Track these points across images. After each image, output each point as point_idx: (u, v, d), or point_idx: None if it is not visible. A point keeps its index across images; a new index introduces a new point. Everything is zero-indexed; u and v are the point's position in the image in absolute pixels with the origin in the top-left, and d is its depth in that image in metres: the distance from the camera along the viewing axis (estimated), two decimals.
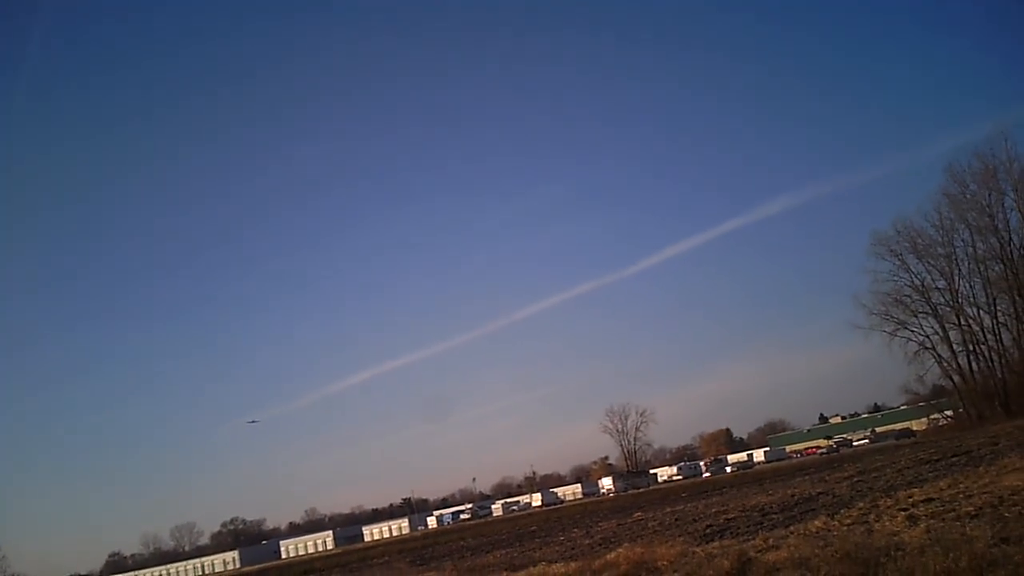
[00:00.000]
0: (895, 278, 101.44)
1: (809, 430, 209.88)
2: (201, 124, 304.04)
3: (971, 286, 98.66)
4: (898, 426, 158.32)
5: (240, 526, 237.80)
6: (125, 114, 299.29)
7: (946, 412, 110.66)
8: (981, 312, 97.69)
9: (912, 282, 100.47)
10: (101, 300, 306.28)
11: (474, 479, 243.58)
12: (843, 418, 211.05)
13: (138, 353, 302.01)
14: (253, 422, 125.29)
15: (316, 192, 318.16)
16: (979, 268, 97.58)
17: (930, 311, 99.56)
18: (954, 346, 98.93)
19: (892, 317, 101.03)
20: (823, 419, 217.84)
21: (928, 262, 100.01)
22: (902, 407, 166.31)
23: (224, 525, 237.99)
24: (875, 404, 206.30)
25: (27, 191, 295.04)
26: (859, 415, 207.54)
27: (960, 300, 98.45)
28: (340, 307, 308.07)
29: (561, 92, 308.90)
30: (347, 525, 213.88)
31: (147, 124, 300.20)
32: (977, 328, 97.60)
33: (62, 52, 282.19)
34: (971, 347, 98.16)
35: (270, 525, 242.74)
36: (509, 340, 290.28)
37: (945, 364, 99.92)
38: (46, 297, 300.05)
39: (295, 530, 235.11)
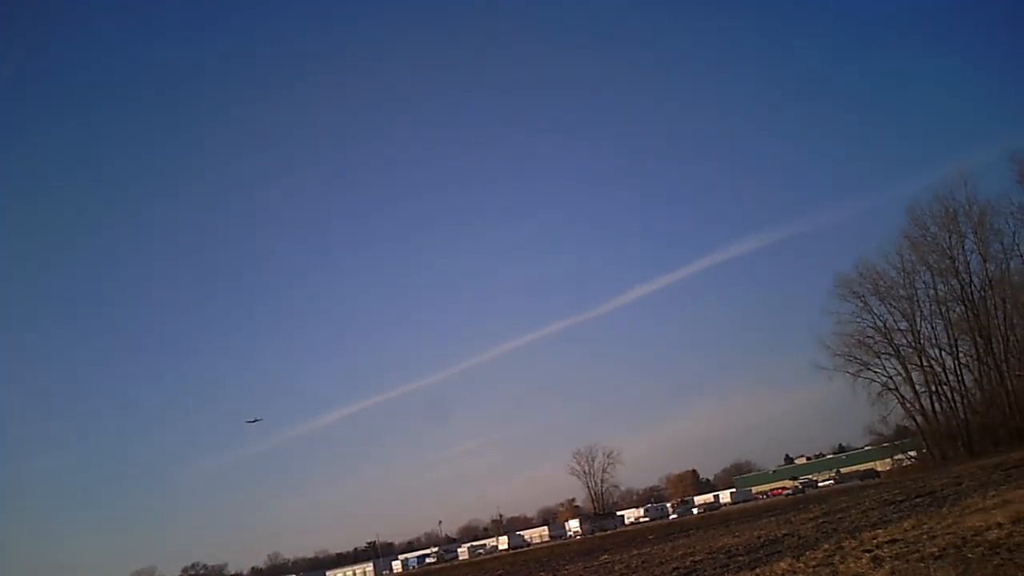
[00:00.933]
0: (858, 319, 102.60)
1: (775, 471, 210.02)
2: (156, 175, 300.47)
3: (933, 327, 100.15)
4: (863, 467, 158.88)
5: (201, 571, 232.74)
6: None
7: (910, 453, 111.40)
8: (943, 353, 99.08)
9: (875, 323, 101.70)
10: (41, 340, 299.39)
11: (440, 522, 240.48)
12: (808, 459, 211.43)
13: (97, 391, 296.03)
14: (254, 421, 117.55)
15: (277, 233, 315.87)
16: (940, 310, 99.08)
17: (893, 352, 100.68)
18: (917, 387, 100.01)
19: (855, 358, 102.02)
20: (788, 460, 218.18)
21: (890, 304, 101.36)
22: (866, 448, 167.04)
23: (185, 570, 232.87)
24: (840, 445, 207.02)
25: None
26: (824, 456, 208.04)
27: (922, 341, 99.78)
28: (304, 349, 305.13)
29: (523, 154, 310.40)
30: (311, 570, 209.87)
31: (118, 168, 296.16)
32: (939, 369, 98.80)
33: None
34: (933, 388, 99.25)
35: (232, 570, 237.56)
36: (476, 381, 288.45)
37: (908, 405, 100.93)
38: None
39: (258, 575, 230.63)
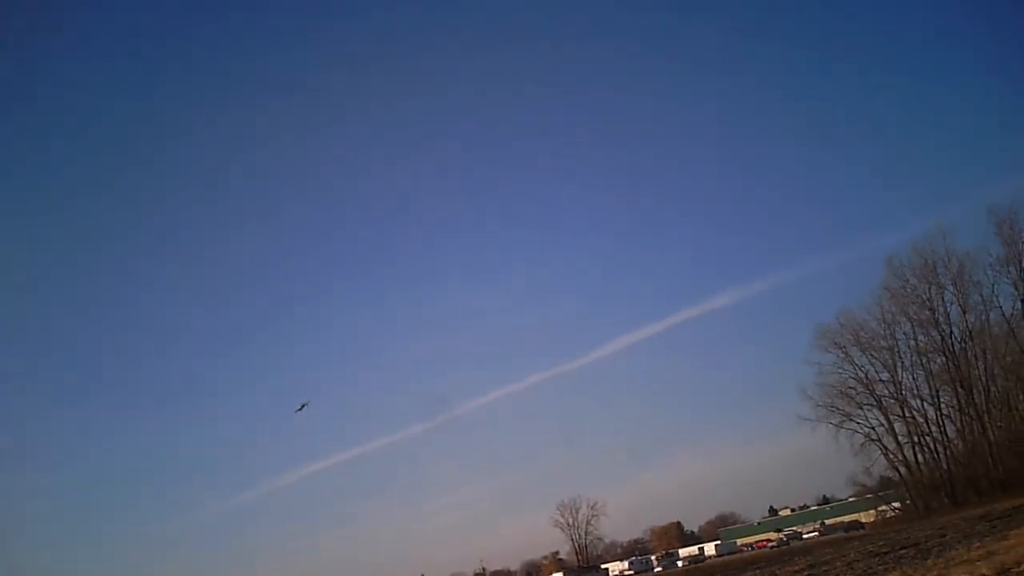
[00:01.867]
0: (839, 370, 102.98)
1: (759, 523, 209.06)
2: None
3: (914, 378, 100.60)
4: (847, 518, 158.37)
5: None
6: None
7: (894, 504, 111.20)
8: (925, 404, 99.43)
9: (856, 374, 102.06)
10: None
11: (422, 575, 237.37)
12: (793, 510, 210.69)
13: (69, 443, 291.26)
14: (302, 407, 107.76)
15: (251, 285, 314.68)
16: (921, 361, 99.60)
17: (875, 403, 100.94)
18: (899, 438, 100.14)
19: (838, 409, 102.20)
20: (773, 512, 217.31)
21: (871, 355, 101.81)
22: (850, 499, 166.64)
23: None
24: (824, 496, 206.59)
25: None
26: (808, 507, 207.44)
27: (904, 392, 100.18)
28: (281, 400, 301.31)
29: (502, 206, 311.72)
30: None
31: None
32: (921, 420, 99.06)
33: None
34: (916, 439, 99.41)
35: None
36: (458, 433, 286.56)
37: (891, 456, 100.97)
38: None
39: None
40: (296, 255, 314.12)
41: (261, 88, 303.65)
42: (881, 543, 53.86)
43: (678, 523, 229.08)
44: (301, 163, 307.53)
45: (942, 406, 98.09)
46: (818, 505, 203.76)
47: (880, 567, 34.66)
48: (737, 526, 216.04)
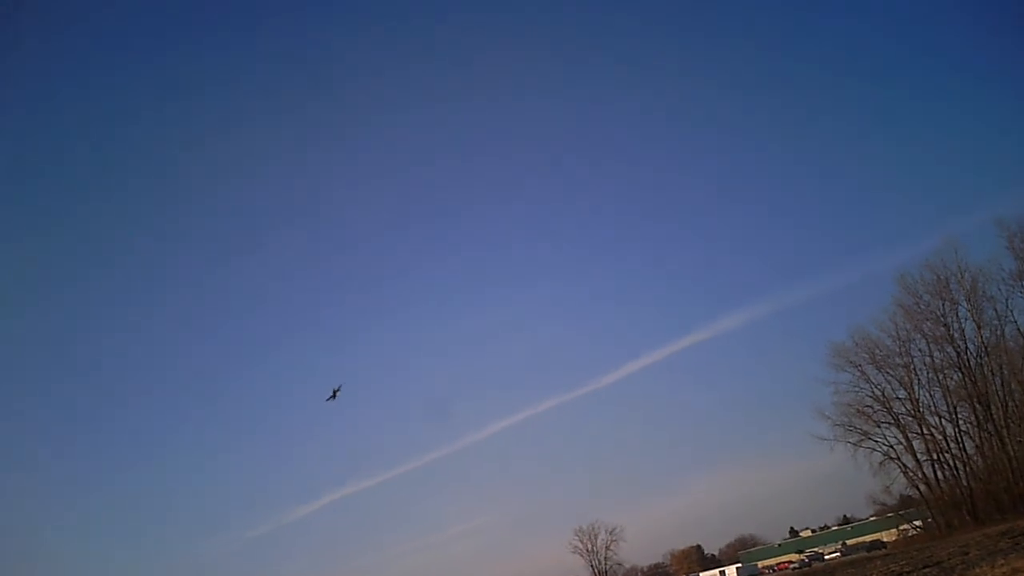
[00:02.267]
0: (855, 389, 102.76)
1: (780, 544, 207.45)
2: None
3: (931, 395, 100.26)
4: (868, 538, 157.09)
5: None
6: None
7: (915, 522, 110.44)
8: (943, 421, 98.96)
9: (872, 392, 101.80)
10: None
11: None
12: (813, 531, 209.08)
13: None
14: (335, 393, 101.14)
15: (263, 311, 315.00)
16: (938, 377, 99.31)
17: (892, 421, 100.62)
18: (918, 455, 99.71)
19: (855, 428, 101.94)
20: (793, 533, 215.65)
21: (887, 372, 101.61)
22: (871, 518, 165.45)
23: None
24: (844, 516, 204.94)
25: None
26: (829, 528, 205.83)
27: (921, 409, 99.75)
28: (287, 431, 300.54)
29: (513, 229, 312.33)
30: None
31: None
32: (940, 437, 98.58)
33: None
34: (935, 456, 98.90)
35: None
36: (471, 460, 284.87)
37: (911, 474, 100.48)
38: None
39: None
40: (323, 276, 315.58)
41: (282, 99, 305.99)
42: (904, 562, 53.72)
43: (698, 546, 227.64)
44: (324, 174, 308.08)
45: (960, 422, 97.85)
46: (839, 525, 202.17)
47: None
48: (758, 548, 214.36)
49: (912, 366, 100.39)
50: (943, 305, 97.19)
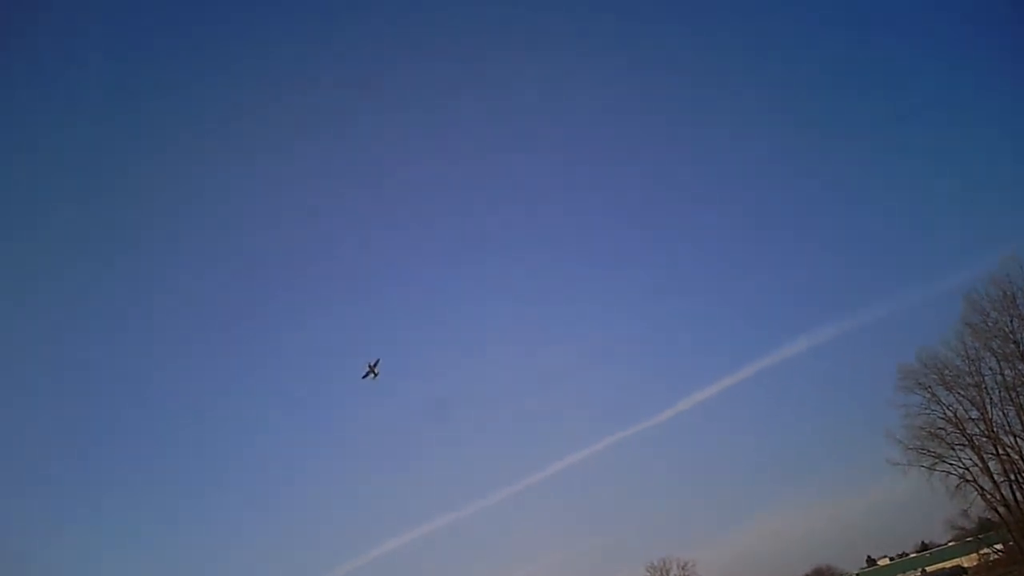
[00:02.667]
0: (927, 411, 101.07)
1: (858, 574, 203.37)
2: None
3: (1005, 414, 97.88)
4: (948, 564, 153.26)
5: None
6: None
7: (996, 546, 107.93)
8: (1019, 440, 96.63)
9: (944, 414, 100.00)
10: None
11: None
12: (892, 559, 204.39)
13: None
14: (372, 368, 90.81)
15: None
16: (1011, 395, 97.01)
17: (966, 442, 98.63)
18: (995, 476, 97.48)
19: (928, 451, 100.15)
20: (871, 562, 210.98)
21: (958, 393, 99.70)
22: (950, 543, 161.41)
23: None
24: (922, 542, 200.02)
25: None
26: (907, 555, 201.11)
27: (995, 429, 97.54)
28: (347, 476, 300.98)
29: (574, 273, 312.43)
30: None
31: None
32: (1017, 457, 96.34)
33: None
34: (1013, 476, 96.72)
35: None
36: (537, 499, 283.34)
37: (989, 496, 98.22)
38: None
39: None
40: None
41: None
42: None
43: None
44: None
45: None
46: (917, 552, 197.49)
47: None
48: None
49: (983, 385, 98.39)
50: (1011, 322, 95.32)
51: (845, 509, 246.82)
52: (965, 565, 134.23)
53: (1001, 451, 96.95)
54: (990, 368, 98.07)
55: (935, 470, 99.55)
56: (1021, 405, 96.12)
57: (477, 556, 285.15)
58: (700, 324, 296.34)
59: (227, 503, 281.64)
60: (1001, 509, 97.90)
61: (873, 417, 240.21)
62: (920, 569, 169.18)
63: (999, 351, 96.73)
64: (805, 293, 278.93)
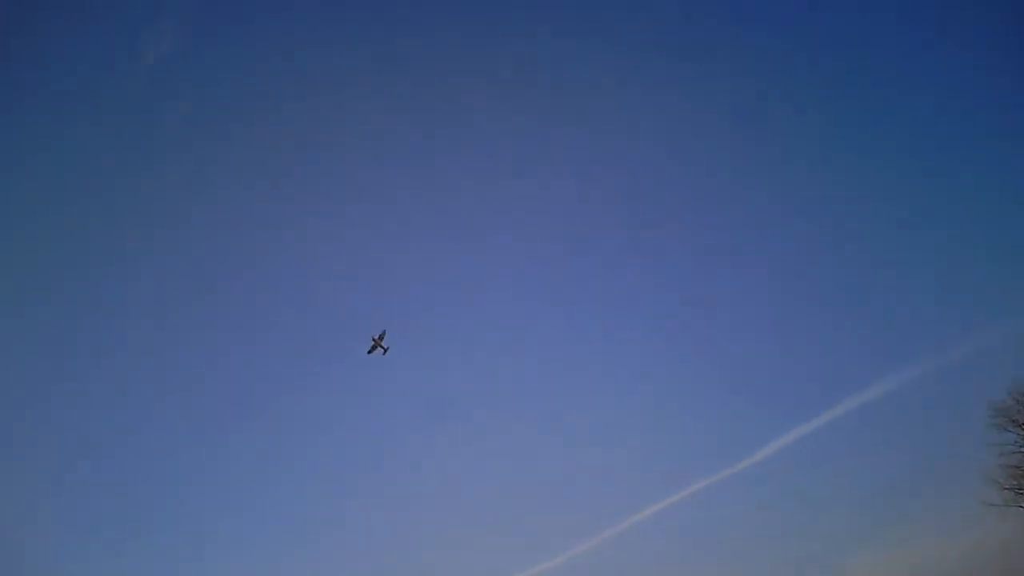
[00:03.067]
0: (1022, 449, 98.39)
1: None
2: None
3: None
4: None
5: None
6: None
7: None
8: None
9: None
10: None
11: None
12: None
13: None
14: (378, 343, 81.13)
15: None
16: None
17: None
18: None
19: None
20: None
21: None
22: None
23: None
24: None
25: None
26: None
27: None
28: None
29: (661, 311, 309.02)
30: None
31: None
32: None
33: None
34: None
35: None
36: (618, 549, 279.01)
37: None
38: None
39: None
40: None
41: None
42: None
43: None
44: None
45: None
46: None
47: None
48: None
49: None
50: None
51: (940, 553, 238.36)
52: None
53: None
54: None
55: None
56: None
57: None
58: (775, 365, 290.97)
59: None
60: None
61: (968, 458, 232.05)
62: None
63: None
64: (884, 330, 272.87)
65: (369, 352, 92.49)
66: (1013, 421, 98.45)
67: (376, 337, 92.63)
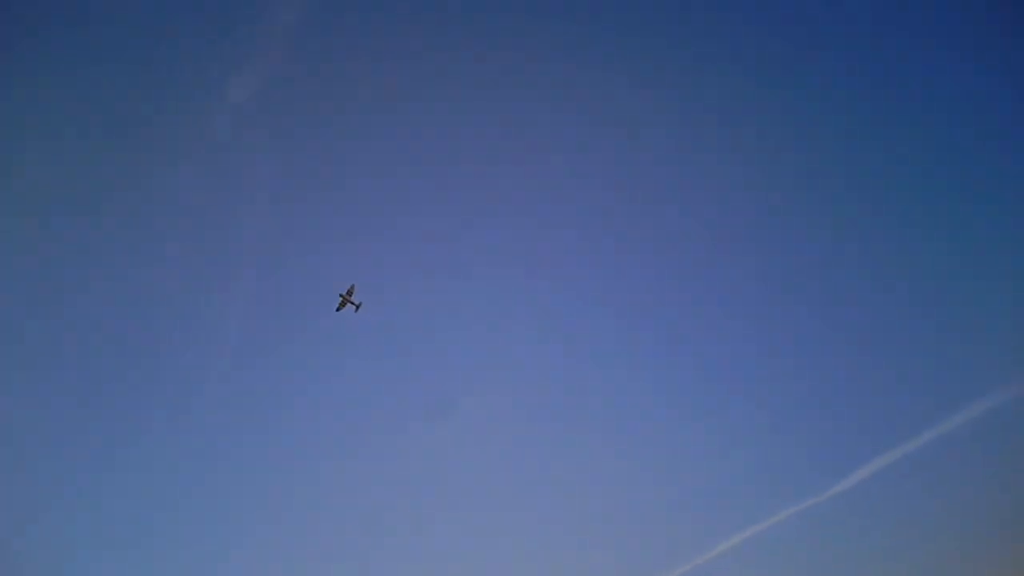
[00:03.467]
0: None
1: None
2: None
3: None
4: None
5: None
6: None
7: None
8: None
9: None
10: None
11: None
12: None
13: None
14: (347, 299, 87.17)
15: None
16: None
17: None
18: None
19: None
20: None
21: None
22: None
23: None
24: None
25: None
26: None
27: None
28: None
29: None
30: None
31: None
32: None
33: None
34: None
35: None
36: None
37: None
38: None
39: None
40: None
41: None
42: None
43: None
44: None
45: None
46: None
47: None
48: None
49: None
50: None
51: None
52: None
53: None
54: None
55: None
56: None
57: None
58: (864, 383, 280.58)
59: None
60: None
61: None
62: None
63: None
64: (976, 356, 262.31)
65: (338, 310, 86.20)
66: None
67: (344, 293, 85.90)
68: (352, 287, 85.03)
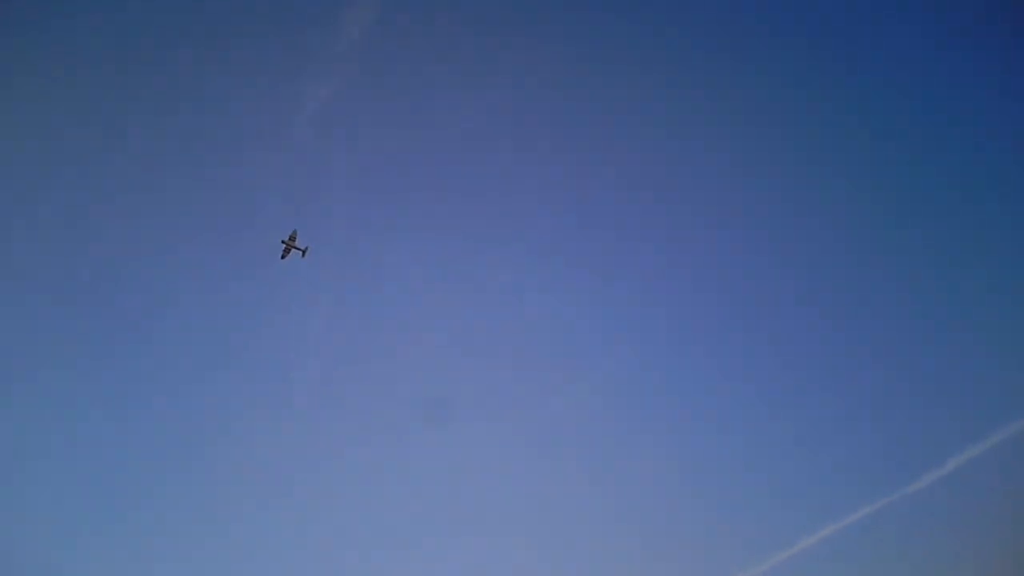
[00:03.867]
0: None
1: None
2: None
3: None
4: None
5: None
6: None
7: None
8: None
9: None
10: None
11: None
12: None
13: None
14: (291, 245, 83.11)
15: None
16: None
17: None
18: None
19: None
20: None
21: None
22: None
23: None
24: None
25: None
26: None
27: None
28: None
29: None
30: None
31: None
32: None
33: None
34: None
35: None
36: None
37: None
38: None
39: None
40: None
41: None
42: None
43: None
44: None
45: None
46: None
47: None
48: None
49: None
50: None
51: None
52: None
53: None
54: None
55: None
56: None
57: None
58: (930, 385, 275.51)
59: None
60: None
61: None
62: None
63: None
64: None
65: (283, 258, 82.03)
66: None
67: (287, 239, 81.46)
68: (294, 232, 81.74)
